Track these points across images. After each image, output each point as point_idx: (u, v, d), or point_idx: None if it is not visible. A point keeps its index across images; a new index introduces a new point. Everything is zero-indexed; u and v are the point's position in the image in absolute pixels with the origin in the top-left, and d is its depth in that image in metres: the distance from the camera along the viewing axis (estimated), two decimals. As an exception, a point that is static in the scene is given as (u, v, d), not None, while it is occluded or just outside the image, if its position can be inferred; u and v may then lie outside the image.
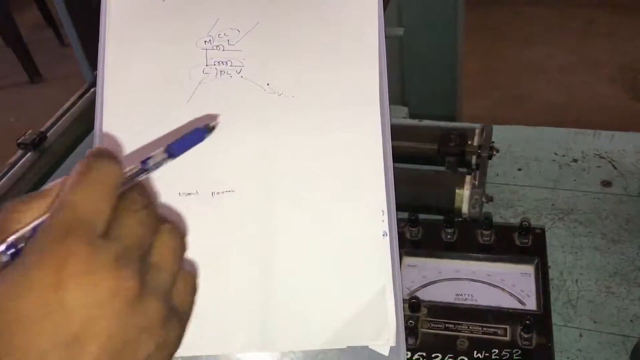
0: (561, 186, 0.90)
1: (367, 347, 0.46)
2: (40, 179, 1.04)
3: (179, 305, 0.33)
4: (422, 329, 0.68)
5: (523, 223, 0.76)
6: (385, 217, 0.47)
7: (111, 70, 0.48)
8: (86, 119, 1.16)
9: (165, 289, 0.31)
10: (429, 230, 0.79)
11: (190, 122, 0.46)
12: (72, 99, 1.20)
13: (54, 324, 0.26)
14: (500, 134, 0.96)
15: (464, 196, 0.80)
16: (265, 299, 0.46)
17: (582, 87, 2.50)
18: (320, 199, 0.47)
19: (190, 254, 0.44)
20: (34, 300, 0.26)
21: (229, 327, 0.45)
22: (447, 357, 0.65)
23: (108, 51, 0.48)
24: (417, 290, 0.74)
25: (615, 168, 0.92)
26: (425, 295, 0.72)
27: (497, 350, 0.65)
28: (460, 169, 0.87)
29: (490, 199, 0.83)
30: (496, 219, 0.84)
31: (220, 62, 0.48)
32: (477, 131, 0.88)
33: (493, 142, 0.87)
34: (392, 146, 0.49)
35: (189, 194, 0.46)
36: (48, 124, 1.13)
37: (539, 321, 0.66)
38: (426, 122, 1.06)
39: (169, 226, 0.33)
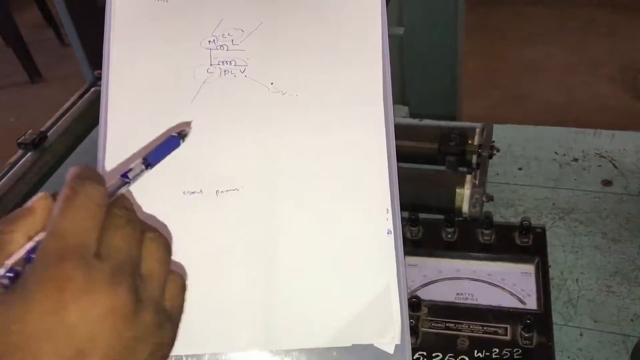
0: (561, 185, 0.90)
1: (372, 345, 0.46)
2: (41, 178, 1.04)
3: (170, 308, 0.35)
4: (423, 329, 0.68)
5: (523, 222, 0.76)
6: (390, 215, 0.47)
7: (116, 69, 0.48)
8: (86, 118, 1.16)
9: (156, 298, 0.33)
10: (429, 229, 0.79)
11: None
12: (72, 99, 1.20)
13: (58, 343, 0.28)
14: (501, 133, 0.96)
15: (464, 195, 0.81)
16: (269, 297, 0.46)
17: (583, 86, 2.50)
18: (325, 197, 0.47)
19: (194, 252, 0.44)
20: (38, 322, 0.28)
21: (232, 325, 0.45)
22: (447, 356, 0.65)
23: (113, 50, 0.48)
24: (417, 289, 0.74)
25: (615, 167, 0.92)
26: (426, 294, 0.72)
27: (497, 350, 0.65)
28: (461, 169, 0.87)
29: (490, 199, 0.83)
30: (496, 218, 0.84)
31: (224, 62, 0.49)
32: (477, 130, 0.88)
33: (493, 141, 0.87)
34: (393, 145, 0.49)
35: (193, 192, 0.46)
36: (48, 123, 1.13)
37: (539, 320, 0.66)
38: (426, 122, 1.06)
39: (152, 235, 0.35)
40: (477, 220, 0.79)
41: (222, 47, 0.49)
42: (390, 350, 0.46)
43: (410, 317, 0.65)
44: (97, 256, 0.31)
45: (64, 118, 1.14)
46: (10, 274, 0.31)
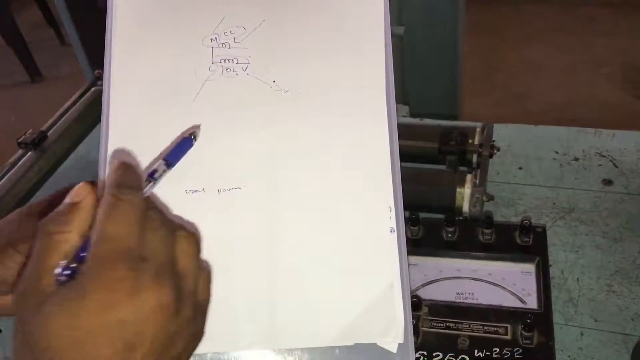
0: (562, 185, 0.90)
1: (375, 344, 0.46)
2: (41, 178, 1.04)
3: (201, 300, 0.38)
4: (423, 328, 0.68)
5: (524, 222, 0.76)
6: (393, 213, 0.47)
7: (117, 68, 0.48)
8: (87, 118, 1.16)
9: (192, 293, 0.37)
10: (429, 229, 0.79)
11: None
12: (72, 99, 1.20)
13: (112, 337, 0.32)
14: (501, 132, 0.96)
15: (464, 195, 0.80)
16: (272, 296, 0.46)
17: (583, 85, 2.50)
18: (327, 195, 0.47)
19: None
20: (94, 318, 0.32)
21: (236, 324, 0.45)
22: (448, 355, 0.65)
23: (114, 49, 0.48)
24: (418, 289, 0.74)
25: (616, 166, 0.92)
26: (426, 294, 0.72)
27: (498, 349, 0.65)
28: (461, 168, 0.86)
29: (491, 198, 0.83)
30: (497, 217, 0.84)
31: (227, 60, 0.48)
32: (478, 130, 0.87)
33: (494, 140, 0.87)
34: (394, 145, 0.49)
35: (196, 191, 0.46)
36: (48, 123, 1.13)
37: (540, 320, 0.66)
38: (427, 121, 1.05)
39: (184, 233, 0.38)
40: (478, 220, 0.79)
41: (224, 45, 0.49)
42: (393, 349, 0.46)
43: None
44: (141, 258, 0.34)
45: (64, 118, 1.14)
46: (68, 272, 0.34)
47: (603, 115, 2.28)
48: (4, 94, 3.06)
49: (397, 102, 0.49)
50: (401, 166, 0.48)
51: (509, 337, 0.66)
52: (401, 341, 0.46)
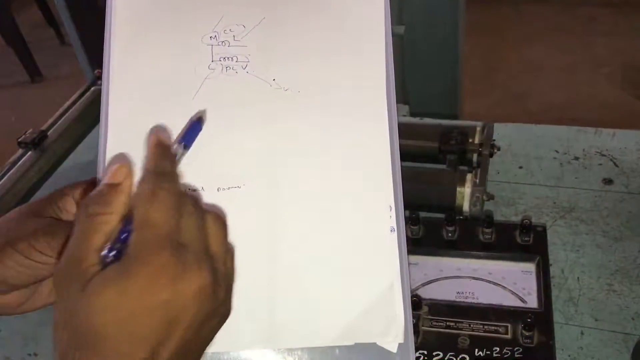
0: (562, 184, 0.90)
1: (375, 344, 0.46)
2: (41, 177, 1.04)
3: (230, 281, 0.40)
4: (423, 327, 0.68)
5: (524, 221, 0.76)
6: (393, 212, 0.47)
7: (116, 66, 0.48)
8: (87, 117, 1.16)
9: (225, 274, 0.39)
10: (430, 228, 0.79)
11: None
12: (72, 98, 1.20)
13: (154, 316, 0.34)
14: (502, 132, 0.96)
15: (465, 194, 0.80)
16: (272, 295, 0.46)
17: (583, 85, 2.50)
18: (327, 194, 0.47)
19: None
20: (139, 300, 0.34)
21: (235, 323, 0.45)
22: (448, 355, 0.65)
23: (113, 48, 0.48)
24: (418, 288, 0.74)
25: (616, 166, 0.92)
26: (426, 293, 0.72)
27: (498, 349, 0.65)
28: (462, 167, 0.87)
29: (491, 197, 0.83)
30: (497, 217, 0.84)
31: (226, 58, 0.48)
32: (478, 129, 0.87)
33: (494, 140, 0.87)
34: (394, 144, 0.49)
35: (195, 190, 0.46)
36: (48, 123, 1.13)
37: (540, 319, 0.66)
38: (427, 120, 1.05)
39: (212, 216, 0.39)
40: (478, 219, 0.79)
41: (223, 43, 0.48)
42: (393, 349, 0.46)
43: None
44: (181, 244, 0.36)
45: (64, 117, 1.14)
46: (113, 253, 0.36)
47: (603, 114, 2.28)
48: (4, 94, 3.06)
49: (397, 102, 0.49)
50: (401, 165, 0.48)
51: (509, 336, 0.66)
52: (401, 341, 0.46)
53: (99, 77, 1.22)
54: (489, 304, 0.70)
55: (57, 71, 3.08)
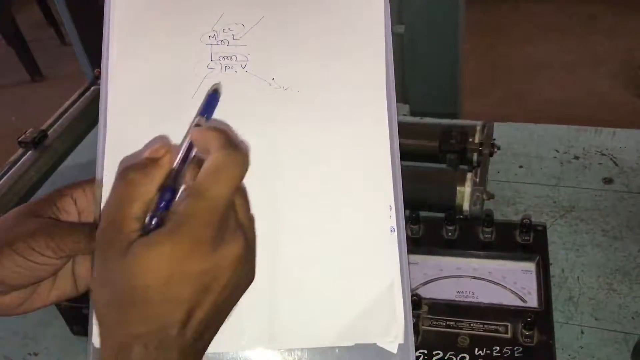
0: (562, 183, 0.90)
1: (375, 344, 0.46)
2: (41, 177, 1.04)
3: (254, 249, 0.42)
4: (423, 327, 0.68)
5: (524, 220, 0.76)
6: (393, 212, 0.47)
7: (115, 66, 0.47)
8: (87, 117, 1.16)
9: (253, 244, 0.41)
10: (430, 227, 0.79)
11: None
12: (72, 98, 1.20)
13: (194, 280, 0.36)
14: (502, 131, 0.96)
15: (465, 193, 0.80)
16: (272, 295, 0.46)
17: (584, 84, 2.50)
18: (327, 194, 0.47)
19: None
20: (181, 265, 0.36)
21: (235, 324, 0.45)
22: (448, 354, 0.65)
23: (112, 47, 0.48)
24: (418, 287, 0.74)
25: (616, 165, 0.92)
26: (426, 292, 0.72)
27: (498, 348, 0.65)
28: (462, 166, 0.86)
29: (491, 197, 0.83)
30: (497, 216, 0.84)
31: (225, 57, 0.48)
32: (478, 128, 0.87)
33: (494, 139, 0.87)
34: (394, 144, 0.49)
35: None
36: (49, 122, 1.13)
37: (540, 318, 0.66)
38: (427, 120, 1.05)
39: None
40: (478, 218, 0.79)
41: (222, 42, 0.48)
42: (394, 349, 0.46)
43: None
44: (223, 215, 0.37)
45: (64, 117, 1.14)
46: (155, 220, 0.38)
47: (603, 113, 2.28)
48: (5, 93, 3.06)
49: (397, 101, 0.49)
50: (401, 165, 0.48)
51: (509, 335, 0.66)
52: (401, 341, 0.46)
53: (99, 77, 1.22)
54: (489, 303, 0.70)
55: (58, 71, 3.08)
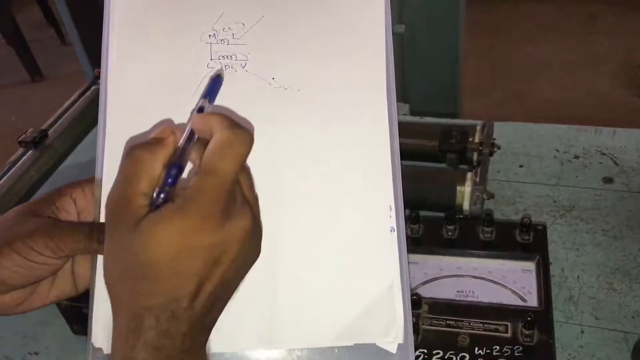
0: (562, 183, 0.90)
1: (374, 344, 0.46)
2: (41, 177, 1.04)
3: (260, 225, 0.42)
4: (423, 326, 0.68)
5: (524, 220, 0.76)
6: (393, 212, 0.47)
7: (115, 65, 0.47)
8: (87, 117, 1.16)
9: (259, 219, 0.42)
10: (430, 227, 0.79)
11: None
12: (72, 97, 1.20)
13: (203, 254, 0.37)
14: (502, 130, 0.96)
15: (465, 193, 0.80)
16: (272, 295, 0.46)
17: (584, 83, 2.50)
18: (327, 194, 0.47)
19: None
20: (190, 239, 0.37)
21: (235, 324, 0.45)
22: (448, 353, 0.65)
23: (112, 46, 0.48)
24: (418, 287, 0.74)
25: (616, 164, 0.92)
26: (427, 292, 0.72)
27: (498, 347, 0.65)
28: (462, 166, 0.86)
29: (491, 196, 0.83)
30: (497, 215, 0.84)
31: (225, 57, 0.48)
32: (478, 128, 0.87)
33: (494, 139, 0.87)
34: (394, 143, 0.49)
35: None
36: (49, 122, 1.13)
37: (540, 318, 0.66)
38: (427, 119, 1.05)
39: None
40: (478, 218, 0.79)
41: (222, 42, 0.48)
42: (393, 349, 0.46)
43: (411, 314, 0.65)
44: (231, 191, 0.39)
45: (64, 116, 1.14)
46: (163, 196, 0.39)
47: (603, 113, 2.28)
48: (5, 93, 3.06)
49: (397, 101, 0.49)
50: (401, 165, 0.47)
51: (509, 335, 0.66)
52: (401, 341, 0.46)
53: (99, 77, 1.22)
54: (489, 303, 0.70)
55: (58, 70, 3.08)
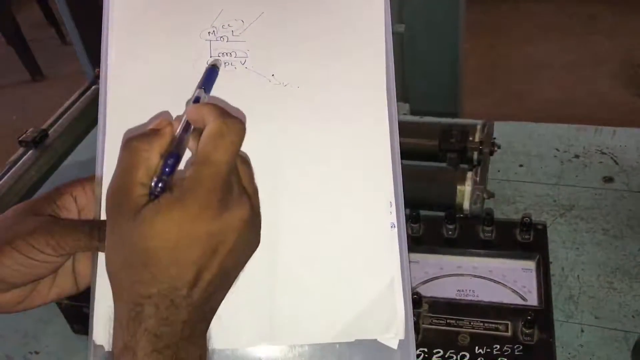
0: (563, 182, 0.90)
1: (375, 340, 0.46)
2: (42, 176, 1.04)
3: (259, 215, 0.43)
4: (424, 325, 0.68)
5: (524, 219, 0.76)
6: (393, 208, 0.47)
7: (114, 63, 0.47)
8: (87, 116, 1.16)
9: (258, 209, 0.42)
10: (430, 226, 0.79)
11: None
12: (73, 97, 1.20)
13: (201, 243, 0.38)
14: (502, 130, 0.96)
15: (465, 192, 0.80)
16: (273, 292, 0.46)
17: (584, 83, 2.50)
18: (327, 190, 0.47)
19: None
20: (188, 228, 0.37)
21: (237, 320, 0.45)
22: (448, 352, 0.65)
23: (111, 45, 0.48)
24: (418, 286, 0.74)
25: (616, 164, 0.92)
26: (427, 291, 0.72)
27: (498, 346, 0.65)
28: (462, 165, 0.86)
29: (491, 195, 0.83)
30: (497, 215, 0.84)
31: (225, 54, 0.48)
32: (478, 127, 0.87)
33: (494, 138, 0.87)
34: (394, 143, 0.49)
35: None
36: (49, 121, 1.13)
37: (540, 317, 0.66)
38: (427, 119, 1.05)
39: (240, 158, 0.42)
40: (478, 217, 0.79)
41: (222, 39, 0.48)
42: (394, 345, 0.46)
43: (411, 313, 0.65)
44: (228, 181, 0.39)
45: (65, 116, 1.14)
46: (161, 185, 0.39)
47: (603, 112, 2.28)
48: (5, 93, 3.06)
49: (397, 100, 0.49)
50: (402, 164, 0.47)
51: (509, 334, 0.66)
52: (402, 337, 0.46)
53: (100, 76, 1.22)
54: (489, 302, 0.70)
55: (58, 70, 3.08)
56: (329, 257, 0.46)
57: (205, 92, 0.44)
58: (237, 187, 0.40)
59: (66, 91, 1.23)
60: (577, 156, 0.94)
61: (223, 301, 0.42)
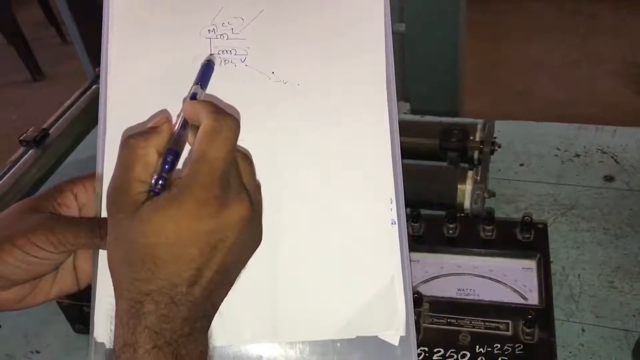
0: (563, 181, 0.90)
1: (376, 337, 0.46)
2: (42, 176, 1.04)
3: (260, 212, 0.43)
4: (424, 324, 0.68)
5: (525, 218, 0.76)
6: (394, 205, 0.47)
7: (114, 61, 0.48)
8: (88, 116, 1.16)
9: (259, 206, 0.43)
10: (430, 225, 0.79)
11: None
12: (73, 97, 1.20)
13: (200, 241, 0.38)
14: (502, 129, 0.96)
15: (466, 192, 0.80)
16: (274, 289, 0.46)
17: (585, 82, 2.50)
18: (328, 187, 0.47)
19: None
20: (188, 225, 0.38)
21: (238, 318, 0.45)
22: (449, 351, 0.65)
23: (111, 42, 0.48)
24: (419, 285, 0.74)
25: (617, 163, 0.92)
26: (428, 290, 0.72)
27: (499, 345, 0.65)
28: (462, 165, 0.86)
29: (492, 195, 0.83)
30: (498, 214, 0.84)
31: (225, 51, 0.48)
32: (479, 126, 0.87)
33: (495, 137, 0.87)
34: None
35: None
36: (50, 121, 1.13)
37: (541, 316, 0.66)
38: (428, 118, 1.05)
39: (241, 154, 0.42)
40: (479, 216, 0.79)
41: (222, 36, 0.48)
42: (395, 342, 0.46)
43: (412, 312, 0.65)
44: (227, 178, 0.39)
45: (65, 116, 1.14)
46: (161, 182, 0.40)
47: (604, 112, 2.27)
48: (6, 92, 3.06)
49: (397, 99, 0.49)
50: (402, 163, 0.48)
51: (510, 333, 0.66)
52: (403, 334, 0.46)
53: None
54: (490, 301, 0.70)
55: (59, 70, 3.08)
56: (330, 254, 0.46)
57: (201, 87, 0.45)
58: (236, 184, 0.40)
59: (67, 91, 1.24)
60: (577, 155, 0.94)
61: (225, 298, 0.42)
